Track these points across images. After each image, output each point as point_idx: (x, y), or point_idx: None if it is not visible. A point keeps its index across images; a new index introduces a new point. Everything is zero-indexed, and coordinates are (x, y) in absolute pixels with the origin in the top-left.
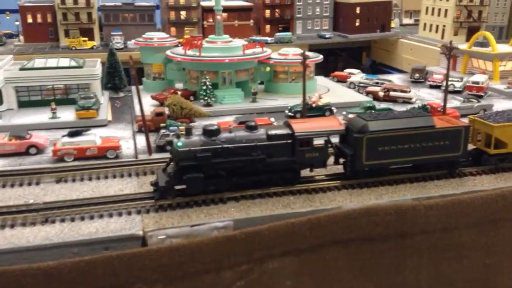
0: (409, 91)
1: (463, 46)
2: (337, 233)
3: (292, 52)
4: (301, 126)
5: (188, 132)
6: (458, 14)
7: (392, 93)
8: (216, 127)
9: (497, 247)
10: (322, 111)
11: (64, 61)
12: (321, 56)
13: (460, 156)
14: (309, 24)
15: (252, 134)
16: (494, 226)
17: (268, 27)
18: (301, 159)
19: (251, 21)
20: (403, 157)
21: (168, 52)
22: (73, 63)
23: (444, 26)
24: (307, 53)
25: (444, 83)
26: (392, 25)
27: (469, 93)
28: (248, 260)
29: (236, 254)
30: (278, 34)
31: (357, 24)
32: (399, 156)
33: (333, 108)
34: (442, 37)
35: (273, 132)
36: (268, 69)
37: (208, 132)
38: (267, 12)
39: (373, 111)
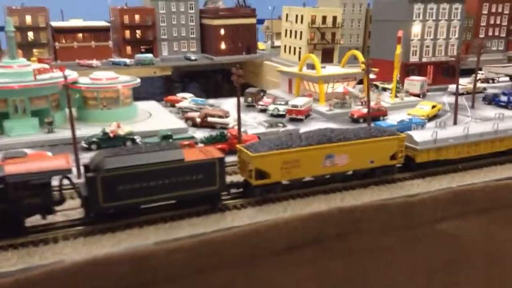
0: (227, 117)
1: (295, 69)
2: None
3: (106, 77)
4: (16, 168)
5: None
6: (312, 36)
7: (209, 119)
8: None
9: (258, 286)
10: (123, 141)
11: None
12: (138, 80)
13: (218, 190)
14: (176, 46)
15: None
16: (251, 264)
17: (129, 48)
18: (17, 205)
19: (110, 42)
20: (153, 195)
21: None
22: None
23: (300, 48)
24: (123, 77)
25: (270, 107)
26: (263, 47)
27: (290, 116)
28: None
29: None
30: (138, 55)
31: (222, 46)
32: (148, 194)
33: (137, 137)
34: (299, 59)
35: None
36: (77, 95)
37: None
38: (127, 33)
39: (170, 140)
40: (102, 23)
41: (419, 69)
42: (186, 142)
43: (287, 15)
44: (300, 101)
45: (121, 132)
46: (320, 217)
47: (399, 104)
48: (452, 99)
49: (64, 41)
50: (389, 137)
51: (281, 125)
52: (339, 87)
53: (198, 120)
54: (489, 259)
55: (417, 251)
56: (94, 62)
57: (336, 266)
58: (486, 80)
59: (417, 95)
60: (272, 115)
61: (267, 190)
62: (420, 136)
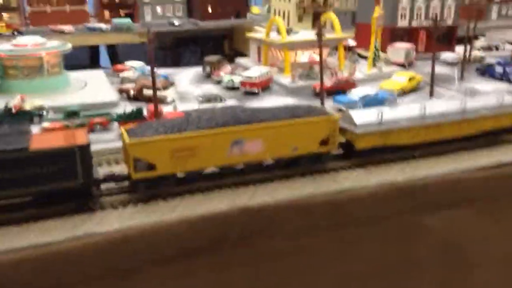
0: (167, 89)
1: (262, 34)
2: None
3: (31, 43)
4: None
5: None
6: None
7: (146, 92)
8: None
9: None
10: (30, 117)
11: None
12: (68, 46)
13: (82, 185)
14: (160, 10)
15: None
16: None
17: (107, 13)
18: None
19: (86, 6)
20: None
21: None
22: None
23: (288, 11)
24: (52, 42)
25: (225, 78)
26: (257, 11)
27: (244, 89)
28: None
29: None
30: (115, 20)
31: (209, 10)
32: None
33: (43, 112)
34: (288, 23)
35: None
36: None
37: None
38: None
39: (77, 117)
40: None
41: (409, 34)
42: (98, 120)
43: None
44: (255, 72)
45: (28, 106)
46: (218, 218)
47: (376, 75)
48: (443, 69)
49: (36, 5)
50: (316, 118)
51: (220, 100)
52: (303, 56)
53: (132, 92)
54: (445, 261)
55: (348, 255)
56: (67, 27)
57: (241, 275)
58: (489, 48)
59: (402, 65)
60: (227, 88)
61: (154, 185)
62: (360, 116)
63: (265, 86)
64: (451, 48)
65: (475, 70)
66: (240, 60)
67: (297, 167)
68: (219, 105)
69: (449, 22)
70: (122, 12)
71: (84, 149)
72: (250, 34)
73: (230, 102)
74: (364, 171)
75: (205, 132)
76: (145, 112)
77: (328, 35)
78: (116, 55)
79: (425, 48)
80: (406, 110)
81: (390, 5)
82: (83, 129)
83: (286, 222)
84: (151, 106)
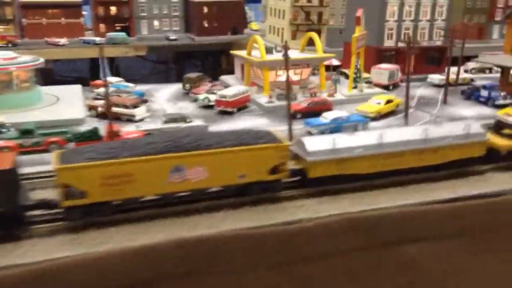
0: (137, 107)
1: (244, 52)
2: None
3: (2, 57)
4: None
5: None
6: (295, 16)
7: (115, 109)
8: None
9: None
10: None
11: None
12: (40, 61)
13: (6, 212)
14: (157, 24)
15: None
16: None
17: (102, 26)
18: None
19: (81, 19)
20: None
21: None
22: None
23: (283, 29)
24: (25, 57)
25: (200, 96)
26: (256, 27)
27: (219, 108)
28: None
29: None
30: (109, 34)
31: (205, 25)
32: None
33: (5, 130)
34: (282, 40)
35: None
36: None
37: None
38: (101, 9)
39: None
40: None
41: (398, 55)
42: (54, 139)
43: None
44: (231, 91)
45: None
46: (151, 252)
47: (356, 96)
48: (429, 91)
49: (32, 17)
50: (264, 146)
51: (185, 120)
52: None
53: (100, 109)
54: None
55: None
56: (62, 40)
57: None
58: (482, 70)
59: (385, 87)
60: (203, 106)
61: (88, 213)
62: (313, 144)
63: (242, 105)
64: (440, 69)
65: (461, 93)
66: (225, 78)
67: (247, 195)
68: (183, 125)
69: (439, 42)
70: (118, 25)
71: (8, 174)
72: (234, 52)
73: (197, 122)
74: (317, 201)
75: (139, 159)
76: (102, 132)
77: (309, 55)
78: (117, 68)
79: (414, 70)
80: (364, 137)
81: (376, 25)
82: (13, 152)
83: (229, 256)
84: (110, 126)
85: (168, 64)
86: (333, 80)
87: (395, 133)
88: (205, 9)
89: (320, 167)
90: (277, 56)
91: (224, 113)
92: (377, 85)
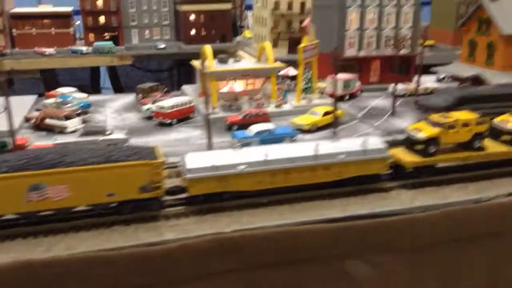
0: (70, 118)
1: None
2: None
3: None
4: None
5: None
6: (276, 24)
7: (48, 121)
8: None
9: None
10: None
11: None
12: None
13: None
14: (148, 33)
15: None
16: None
17: (92, 35)
18: None
19: (71, 29)
20: None
21: None
22: None
23: (265, 36)
24: None
25: (144, 107)
26: (249, 35)
27: (157, 120)
28: None
29: None
30: (96, 43)
31: (193, 33)
32: None
33: None
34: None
35: None
36: None
37: None
38: (89, 20)
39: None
40: (63, 9)
41: (362, 64)
42: None
43: None
44: (170, 102)
45: None
46: None
47: (304, 107)
48: (386, 102)
49: (22, 28)
50: (132, 163)
51: (103, 133)
52: (232, 86)
53: (33, 121)
54: None
55: None
56: (48, 50)
57: None
58: (457, 79)
59: (340, 97)
60: (147, 117)
61: None
62: (194, 160)
63: (183, 116)
64: (408, 79)
65: (414, 103)
66: (186, 87)
67: (120, 214)
68: (101, 138)
69: (405, 51)
70: (107, 34)
71: None
72: (193, 62)
73: (118, 135)
74: (197, 220)
75: None
76: (10, 145)
77: (259, 65)
78: (117, 76)
79: (379, 78)
80: (251, 153)
81: (336, 33)
82: None
83: (80, 280)
84: (19, 139)
85: (166, 72)
86: (282, 91)
87: (283, 149)
88: (193, 18)
89: (200, 184)
90: (228, 66)
91: (162, 124)
92: (331, 95)
